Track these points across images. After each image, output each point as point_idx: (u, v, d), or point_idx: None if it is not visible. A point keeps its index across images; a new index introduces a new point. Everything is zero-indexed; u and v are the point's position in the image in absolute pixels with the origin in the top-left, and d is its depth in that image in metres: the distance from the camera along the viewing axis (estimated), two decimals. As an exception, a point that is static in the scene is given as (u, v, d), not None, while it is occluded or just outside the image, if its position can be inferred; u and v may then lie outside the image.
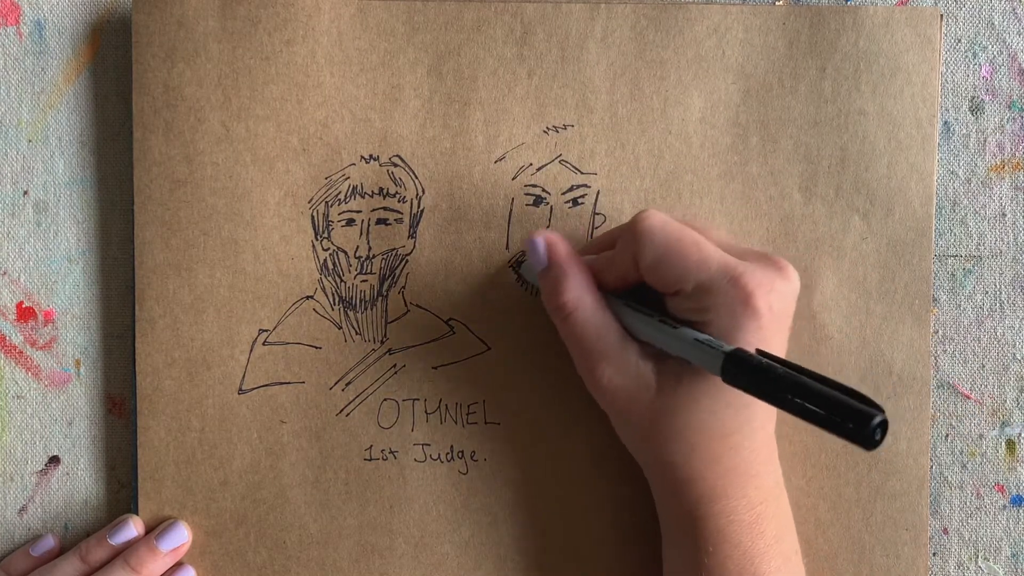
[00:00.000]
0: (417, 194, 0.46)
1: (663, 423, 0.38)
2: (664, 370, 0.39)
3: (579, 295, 0.40)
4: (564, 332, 0.41)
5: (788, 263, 0.39)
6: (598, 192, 0.46)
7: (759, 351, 0.36)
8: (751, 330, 0.37)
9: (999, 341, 0.47)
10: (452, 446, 0.46)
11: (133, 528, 0.45)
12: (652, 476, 0.42)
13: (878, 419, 0.30)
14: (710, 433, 0.38)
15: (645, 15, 0.45)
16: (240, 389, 0.46)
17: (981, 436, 0.47)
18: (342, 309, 0.46)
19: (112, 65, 0.47)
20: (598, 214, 0.46)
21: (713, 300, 0.37)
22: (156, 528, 0.45)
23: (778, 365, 0.34)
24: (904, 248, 0.45)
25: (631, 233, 0.39)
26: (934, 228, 0.46)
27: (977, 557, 0.47)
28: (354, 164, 0.45)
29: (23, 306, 0.47)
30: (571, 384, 0.46)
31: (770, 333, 0.37)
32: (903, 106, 0.45)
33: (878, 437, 0.30)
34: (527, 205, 0.46)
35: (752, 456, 0.39)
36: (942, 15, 0.45)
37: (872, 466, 0.46)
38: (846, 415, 0.31)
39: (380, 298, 0.46)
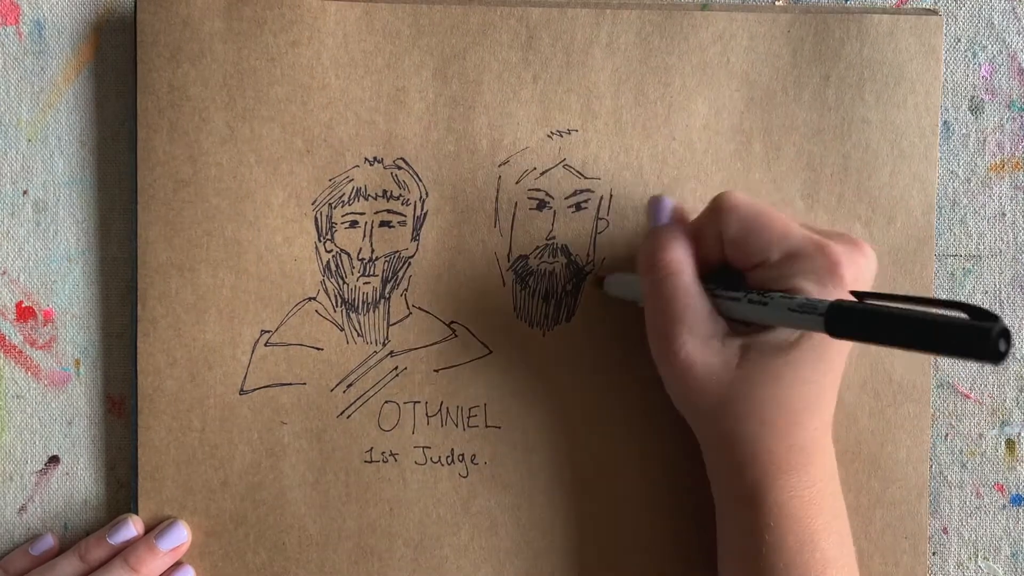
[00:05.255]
0: (421, 197, 0.45)
1: (740, 399, 0.39)
2: (748, 347, 0.39)
3: (684, 258, 0.40)
4: (655, 294, 0.40)
5: (865, 242, 0.40)
6: (601, 197, 0.46)
7: None
8: (838, 297, 0.37)
9: (997, 344, 0.48)
10: (453, 449, 0.46)
11: (132, 527, 0.45)
12: (715, 451, 0.42)
13: (997, 328, 0.29)
14: (784, 408, 0.39)
15: (650, 21, 0.45)
16: (241, 390, 0.46)
17: (981, 436, 0.48)
18: (344, 311, 0.46)
19: (112, 65, 0.46)
20: (601, 219, 0.46)
21: (800, 266, 0.38)
22: (156, 527, 0.45)
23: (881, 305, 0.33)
24: (905, 256, 0.46)
25: (714, 211, 0.40)
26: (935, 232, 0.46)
27: (977, 557, 0.48)
28: (358, 166, 0.45)
29: (23, 306, 0.46)
30: (572, 388, 0.46)
31: None
32: (906, 115, 0.45)
33: (1003, 348, 0.29)
34: (531, 209, 0.46)
35: (815, 435, 0.40)
36: (943, 22, 0.45)
37: (871, 474, 0.46)
38: (965, 336, 0.29)
39: (382, 300, 0.46)
